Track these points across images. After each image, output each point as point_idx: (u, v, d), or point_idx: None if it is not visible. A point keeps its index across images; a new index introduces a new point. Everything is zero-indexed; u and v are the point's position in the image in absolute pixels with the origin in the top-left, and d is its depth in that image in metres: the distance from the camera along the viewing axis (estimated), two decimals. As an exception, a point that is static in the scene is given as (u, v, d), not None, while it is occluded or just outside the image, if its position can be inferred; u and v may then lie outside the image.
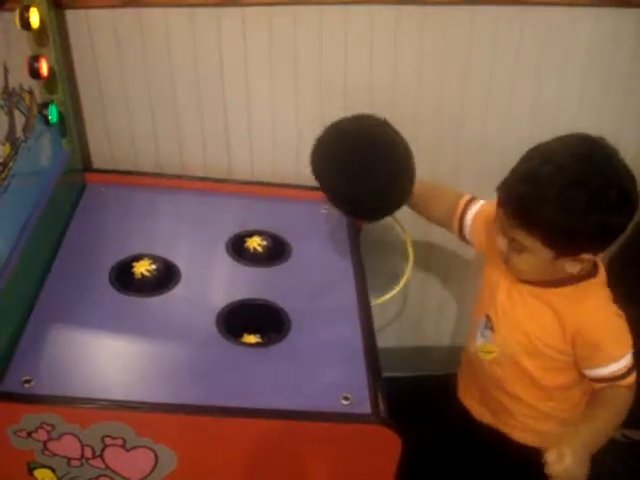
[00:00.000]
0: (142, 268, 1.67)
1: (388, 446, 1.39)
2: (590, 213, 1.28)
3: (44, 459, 1.41)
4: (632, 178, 1.33)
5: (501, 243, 1.41)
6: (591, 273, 1.45)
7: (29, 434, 1.37)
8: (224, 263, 1.77)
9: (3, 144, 1.48)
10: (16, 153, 1.54)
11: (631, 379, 1.44)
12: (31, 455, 1.41)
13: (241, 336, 1.59)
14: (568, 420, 1.54)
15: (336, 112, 1.96)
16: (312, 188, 2.01)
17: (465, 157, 2.08)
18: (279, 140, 2.04)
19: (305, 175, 2.05)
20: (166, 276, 1.69)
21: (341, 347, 1.56)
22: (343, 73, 1.93)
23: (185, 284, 1.68)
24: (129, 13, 1.80)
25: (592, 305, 1.44)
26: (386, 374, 1.54)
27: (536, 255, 1.36)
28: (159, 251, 1.75)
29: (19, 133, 1.57)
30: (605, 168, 1.31)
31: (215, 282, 1.73)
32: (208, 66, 1.90)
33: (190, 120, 1.99)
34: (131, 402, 1.38)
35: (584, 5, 1.86)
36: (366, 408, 1.41)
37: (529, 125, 2.03)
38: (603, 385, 1.45)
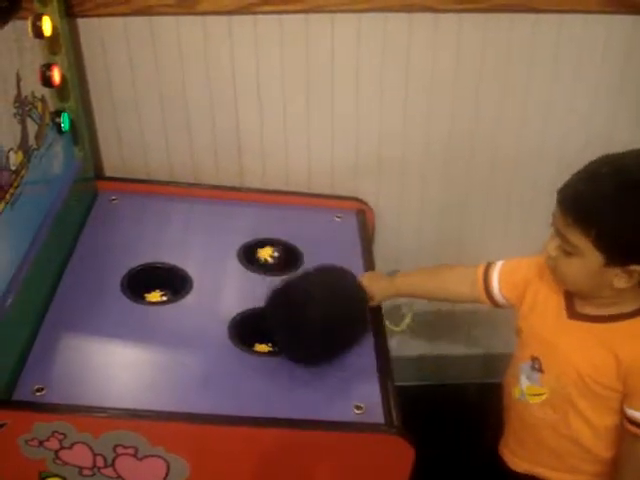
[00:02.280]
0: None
1: (401, 456, 1.38)
2: None
3: (56, 468, 1.41)
4: None
5: (551, 246, 1.38)
6: None
7: (41, 443, 1.37)
8: (236, 271, 1.76)
9: (15, 152, 1.48)
10: (28, 161, 1.55)
11: None
12: (42, 464, 1.40)
13: (253, 345, 1.58)
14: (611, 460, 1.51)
15: (348, 120, 1.97)
16: (324, 196, 2.01)
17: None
18: (291, 148, 2.03)
19: (317, 183, 2.05)
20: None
21: (353, 356, 1.55)
22: (355, 80, 1.92)
23: (197, 293, 1.68)
24: (141, 21, 1.81)
25: None
26: (399, 383, 1.53)
27: (585, 259, 1.32)
28: (171, 260, 1.75)
29: (31, 141, 1.57)
30: None
31: (227, 290, 1.72)
32: (220, 73, 1.90)
33: (202, 128, 1.99)
34: (143, 411, 1.38)
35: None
36: (379, 417, 1.40)
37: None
38: (631, 429, 1.40)
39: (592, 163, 1.33)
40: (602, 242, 1.29)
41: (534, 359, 1.49)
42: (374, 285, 1.65)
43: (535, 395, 1.51)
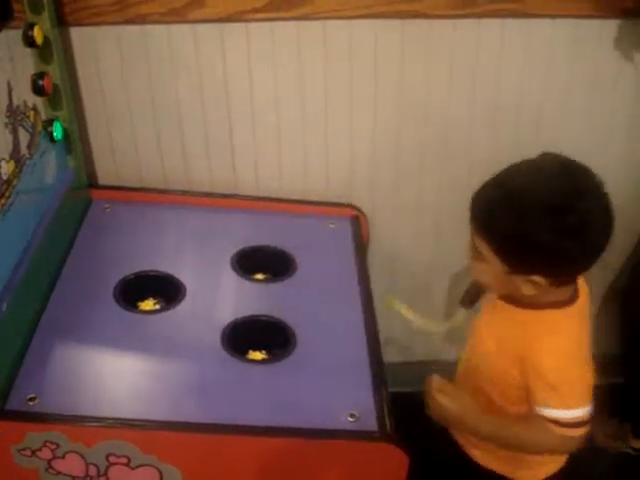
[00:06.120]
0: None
1: (395, 463, 1.38)
2: (543, 230, 1.22)
3: (48, 478, 1.41)
4: (604, 214, 1.26)
5: (466, 250, 1.38)
6: (567, 301, 1.38)
7: (33, 452, 1.37)
8: (230, 279, 1.76)
9: (7, 161, 1.48)
10: (20, 170, 1.54)
11: (562, 431, 1.33)
12: (35, 474, 1.40)
13: (247, 353, 1.58)
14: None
15: (341, 127, 1.97)
16: (318, 203, 2.01)
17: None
18: (285, 155, 2.03)
19: (311, 190, 2.05)
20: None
21: (347, 363, 1.55)
22: (348, 87, 1.93)
23: (190, 300, 1.68)
24: (133, 30, 1.81)
25: (555, 343, 1.34)
26: (393, 389, 1.53)
27: (492, 266, 1.31)
28: (165, 268, 1.75)
29: (23, 150, 1.57)
30: (574, 193, 1.23)
31: (221, 298, 1.72)
32: (212, 82, 1.90)
33: (195, 135, 1.99)
34: (136, 420, 1.38)
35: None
36: (373, 425, 1.40)
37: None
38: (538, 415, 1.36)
39: (500, 173, 1.31)
40: (501, 251, 1.29)
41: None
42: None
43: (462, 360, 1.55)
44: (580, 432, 1.33)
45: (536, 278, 1.27)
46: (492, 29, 1.87)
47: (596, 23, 1.87)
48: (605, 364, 2.42)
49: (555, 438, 1.33)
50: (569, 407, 1.32)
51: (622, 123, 2.04)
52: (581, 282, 1.40)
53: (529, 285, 1.29)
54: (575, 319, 1.37)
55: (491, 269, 1.32)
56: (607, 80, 1.97)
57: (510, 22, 1.86)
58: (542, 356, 1.32)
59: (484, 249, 1.31)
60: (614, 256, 2.24)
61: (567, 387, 1.32)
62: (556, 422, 1.32)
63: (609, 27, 1.88)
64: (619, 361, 2.27)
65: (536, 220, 1.22)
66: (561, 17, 1.86)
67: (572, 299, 1.37)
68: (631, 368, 2.23)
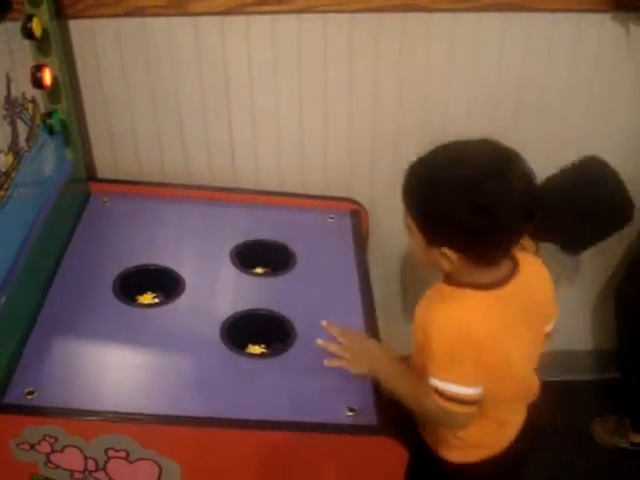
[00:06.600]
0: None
1: (394, 457, 1.38)
2: (453, 204, 1.27)
3: (47, 471, 1.41)
4: (520, 200, 1.28)
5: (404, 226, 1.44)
6: (487, 285, 1.37)
7: (32, 446, 1.36)
8: (229, 273, 1.76)
9: (6, 154, 1.48)
10: (19, 163, 1.54)
11: (441, 402, 1.35)
12: (34, 467, 1.40)
13: (246, 346, 1.58)
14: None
15: (341, 121, 1.97)
16: (318, 197, 2.01)
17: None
18: (285, 148, 2.03)
19: (311, 184, 2.04)
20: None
21: (347, 357, 1.54)
22: (348, 80, 1.92)
23: (190, 294, 1.67)
24: (132, 22, 1.80)
25: (450, 315, 1.37)
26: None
27: (416, 239, 1.37)
28: (164, 261, 1.74)
29: (22, 143, 1.57)
30: (491, 173, 1.28)
31: (220, 292, 1.72)
32: (212, 74, 1.89)
33: (195, 129, 1.98)
34: (135, 414, 1.37)
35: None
36: (371, 419, 1.40)
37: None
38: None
39: (428, 151, 1.36)
40: (420, 225, 1.35)
41: None
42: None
43: None
44: (458, 409, 1.35)
45: (446, 251, 1.32)
46: (492, 23, 1.86)
47: (596, 17, 1.87)
48: (602, 360, 2.44)
49: (434, 407, 1.36)
50: (446, 380, 1.34)
51: (622, 117, 2.04)
52: (526, 277, 1.40)
53: (444, 259, 1.34)
54: (491, 305, 1.37)
55: (417, 243, 1.38)
56: (607, 74, 1.96)
57: (511, 16, 1.86)
58: (433, 325, 1.36)
59: (410, 223, 1.38)
60: (610, 251, 2.25)
61: (448, 360, 1.34)
62: (436, 392, 1.35)
63: (609, 21, 1.88)
64: (616, 357, 2.27)
65: (448, 194, 1.28)
66: (561, 11, 1.85)
67: (495, 285, 1.37)
68: (628, 364, 2.23)
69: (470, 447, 1.50)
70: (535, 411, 1.58)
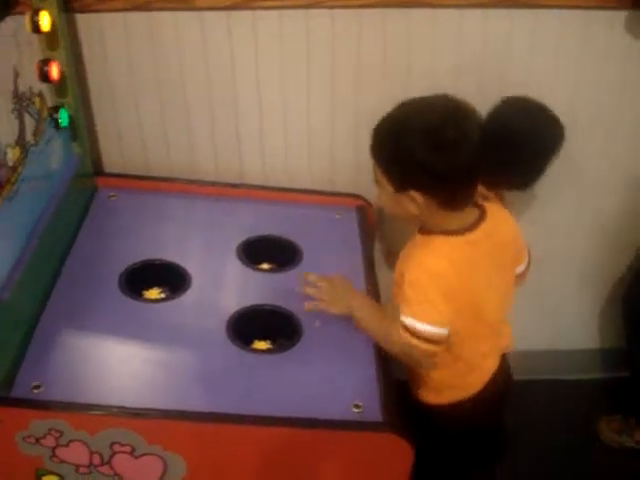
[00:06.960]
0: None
1: (400, 454, 1.38)
2: (415, 145, 1.39)
3: (52, 466, 1.41)
4: (473, 144, 1.39)
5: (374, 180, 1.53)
6: (456, 231, 1.48)
7: (37, 440, 1.36)
8: (235, 268, 1.75)
9: (13, 148, 1.48)
10: (26, 157, 1.54)
11: (406, 337, 1.46)
12: (39, 461, 1.40)
13: (252, 342, 1.58)
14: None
15: (348, 117, 1.96)
16: (324, 193, 2.00)
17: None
18: (291, 144, 2.02)
19: (317, 180, 2.04)
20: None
21: (352, 353, 1.54)
22: (355, 75, 1.91)
23: (196, 290, 1.67)
24: (139, 17, 1.80)
25: (423, 257, 1.48)
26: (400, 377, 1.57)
27: (384, 189, 1.48)
28: (170, 256, 1.74)
29: (29, 137, 1.57)
30: (449, 118, 1.39)
31: (226, 287, 1.72)
32: (219, 70, 1.89)
33: (201, 124, 1.98)
34: (140, 409, 1.37)
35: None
36: (377, 416, 1.40)
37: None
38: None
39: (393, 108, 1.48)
40: (386, 172, 1.46)
41: None
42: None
43: None
44: (422, 345, 1.45)
45: (413, 194, 1.43)
46: (499, 19, 1.86)
47: (604, 14, 1.86)
48: (608, 358, 2.44)
49: (399, 340, 1.47)
50: (414, 317, 1.45)
51: (630, 115, 2.03)
52: (493, 223, 1.52)
53: (411, 203, 1.45)
54: (462, 249, 1.49)
55: (385, 193, 1.49)
56: (615, 72, 1.96)
57: (517, 12, 1.85)
58: (409, 268, 1.48)
59: (377, 173, 1.48)
60: (619, 252, 2.24)
61: (418, 300, 1.45)
62: (404, 327, 1.46)
63: (617, 18, 1.87)
64: (622, 355, 2.27)
65: (411, 138, 1.39)
66: (569, 8, 1.85)
67: (464, 230, 1.49)
68: (635, 362, 2.22)
69: (444, 388, 1.60)
70: (507, 364, 1.68)
